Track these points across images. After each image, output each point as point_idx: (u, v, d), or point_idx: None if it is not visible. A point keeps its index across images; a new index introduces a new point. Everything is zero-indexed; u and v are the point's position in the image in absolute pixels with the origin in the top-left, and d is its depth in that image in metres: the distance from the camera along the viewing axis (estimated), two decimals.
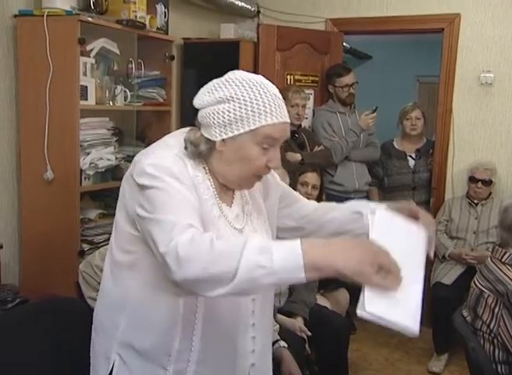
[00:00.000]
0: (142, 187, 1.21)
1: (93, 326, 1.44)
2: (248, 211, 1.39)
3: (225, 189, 1.35)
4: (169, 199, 1.17)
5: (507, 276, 2.17)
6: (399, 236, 1.27)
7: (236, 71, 1.31)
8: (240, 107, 1.23)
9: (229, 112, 1.24)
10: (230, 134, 1.24)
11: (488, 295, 2.21)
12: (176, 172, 1.21)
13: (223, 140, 1.25)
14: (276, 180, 1.52)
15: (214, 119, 1.25)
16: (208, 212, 1.28)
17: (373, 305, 1.06)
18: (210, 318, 1.28)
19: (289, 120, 1.30)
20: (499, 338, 2.16)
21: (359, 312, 1.06)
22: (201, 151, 1.27)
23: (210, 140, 1.27)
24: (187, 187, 1.21)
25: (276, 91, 1.30)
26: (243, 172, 1.29)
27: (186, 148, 1.28)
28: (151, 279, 1.26)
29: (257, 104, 1.24)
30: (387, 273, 1.07)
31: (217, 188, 1.33)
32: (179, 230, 1.12)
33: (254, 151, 1.26)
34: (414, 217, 1.39)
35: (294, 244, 1.07)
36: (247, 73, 1.30)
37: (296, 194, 1.60)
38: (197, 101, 1.31)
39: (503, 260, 2.23)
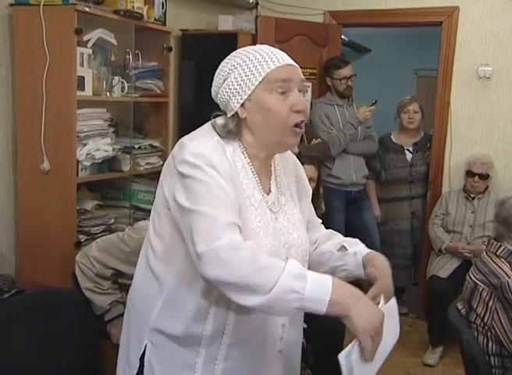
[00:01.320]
0: (182, 176, 1.24)
1: (127, 307, 1.47)
2: (284, 201, 1.41)
3: (263, 175, 1.38)
4: (210, 193, 1.19)
5: (501, 269, 2.18)
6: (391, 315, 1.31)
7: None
8: (242, 70, 1.29)
9: (236, 78, 1.29)
10: (245, 96, 1.29)
11: (483, 289, 2.23)
12: (214, 161, 1.23)
13: (242, 105, 1.29)
14: (306, 186, 1.54)
15: (227, 93, 1.30)
16: (249, 196, 1.30)
17: (356, 362, 1.16)
18: (244, 309, 1.27)
19: (294, 63, 1.33)
20: (493, 331, 2.17)
21: (342, 358, 1.15)
22: (231, 130, 1.31)
23: (234, 115, 1.31)
24: (225, 178, 1.23)
25: (273, 47, 1.33)
26: (275, 127, 1.30)
27: (217, 132, 1.32)
28: (186, 267, 1.28)
29: (256, 59, 1.29)
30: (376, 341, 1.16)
31: (257, 172, 1.36)
32: (221, 229, 1.15)
33: (272, 99, 1.28)
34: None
35: (326, 280, 1.15)
36: (244, 47, 1.35)
37: (318, 221, 1.60)
38: (212, 92, 1.37)
39: (497, 253, 2.24)
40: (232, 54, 1.35)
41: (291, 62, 1.32)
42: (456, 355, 2.64)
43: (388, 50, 6.80)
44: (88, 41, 2.59)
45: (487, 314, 2.19)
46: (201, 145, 1.27)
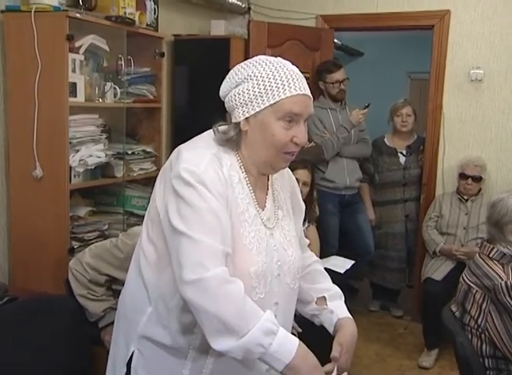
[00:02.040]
0: (176, 194, 1.23)
1: (117, 312, 1.47)
2: (281, 216, 1.41)
3: (260, 190, 1.37)
4: (202, 218, 1.19)
5: (494, 271, 2.19)
6: None
7: (256, 56, 1.34)
8: (257, 84, 1.27)
9: (248, 90, 1.27)
10: (252, 112, 1.27)
11: (476, 291, 2.23)
12: (207, 180, 1.22)
13: (246, 119, 1.28)
14: (301, 204, 1.54)
15: (235, 100, 1.29)
16: (243, 211, 1.30)
17: None
18: None
19: (310, 94, 1.31)
20: (487, 333, 2.18)
21: None
22: (230, 137, 1.31)
23: (236, 124, 1.30)
24: (217, 198, 1.22)
25: (295, 68, 1.32)
26: (271, 150, 1.30)
27: (216, 140, 1.32)
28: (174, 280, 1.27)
29: (274, 78, 1.27)
30: None
31: (253, 187, 1.35)
32: (212, 259, 1.16)
33: (276, 126, 1.28)
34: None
35: (292, 344, 1.18)
36: (266, 56, 1.34)
37: (305, 242, 1.61)
38: (221, 91, 1.35)
39: (490, 255, 2.25)
40: (252, 60, 1.32)
41: (307, 91, 1.30)
42: (451, 357, 2.64)
43: (381, 53, 6.83)
44: (80, 47, 2.59)
45: (481, 316, 2.20)
46: (197, 158, 1.25)
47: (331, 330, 1.47)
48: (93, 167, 2.71)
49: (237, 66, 1.34)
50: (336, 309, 1.49)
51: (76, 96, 2.57)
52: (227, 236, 1.22)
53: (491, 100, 3.77)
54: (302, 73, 1.35)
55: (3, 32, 2.54)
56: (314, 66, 4.03)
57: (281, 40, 3.90)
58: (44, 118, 2.49)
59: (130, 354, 1.35)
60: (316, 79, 3.98)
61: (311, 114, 1.34)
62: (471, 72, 3.77)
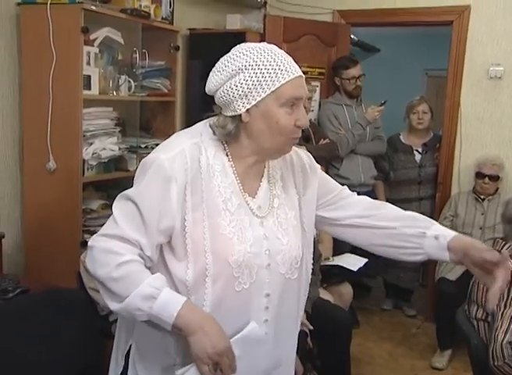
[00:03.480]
0: (136, 176, 1.30)
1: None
2: (277, 204, 1.37)
3: (252, 178, 1.35)
4: (135, 213, 1.23)
5: None
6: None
7: (239, 45, 1.31)
8: (255, 73, 1.24)
9: (246, 80, 1.24)
10: (253, 102, 1.25)
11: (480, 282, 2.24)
12: (165, 164, 1.23)
13: (247, 110, 1.26)
14: (317, 173, 1.47)
15: (233, 93, 1.25)
16: (225, 200, 1.28)
17: None
18: (217, 311, 1.26)
19: (302, 73, 1.30)
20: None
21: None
22: (230, 131, 1.28)
23: (235, 116, 1.27)
24: (165, 184, 1.23)
25: (282, 51, 1.30)
26: (275, 137, 1.28)
27: (214, 133, 1.30)
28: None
29: (270, 65, 1.24)
30: (220, 371, 1.19)
31: (241, 177, 1.32)
32: (116, 237, 1.22)
33: (281, 113, 1.26)
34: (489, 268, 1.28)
35: (174, 304, 1.19)
36: (251, 43, 1.31)
37: (341, 188, 1.51)
38: (210, 85, 1.31)
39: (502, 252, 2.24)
40: (239, 50, 1.27)
41: (301, 72, 1.29)
42: (465, 358, 2.60)
43: (398, 50, 6.75)
44: (95, 39, 2.58)
45: (483, 298, 2.19)
46: (171, 146, 1.28)
47: (444, 255, 1.35)
48: (106, 160, 2.71)
49: (224, 57, 1.30)
50: (436, 232, 1.36)
51: (90, 89, 2.56)
52: (154, 231, 1.24)
53: (510, 98, 3.69)
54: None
55: (19, 24, 2.55)
56: (330, 62, 3.99)
57: (297, 35, 3.87)
58: (58, 110, 2.49)
59: (128, 347, 1.36)
60: (332, 75, 3.95)
61: (314, 86, 1.32)
62: (491, 69, 3.70)
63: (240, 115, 1.26)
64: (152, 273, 1.27)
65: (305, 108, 1.33)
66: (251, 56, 1.25)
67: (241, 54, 1.27)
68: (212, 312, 1.25)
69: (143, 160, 1.29)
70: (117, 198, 1.28)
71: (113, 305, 1.22)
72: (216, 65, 1.30)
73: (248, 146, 1.30)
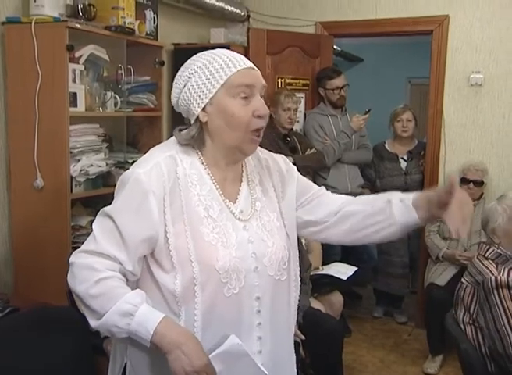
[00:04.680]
0: (115, 189, 1.32)
1: None
2: (259, 207, 1.38)
3: (231, 183, 1.36)
4: (114, 228, 1.25)
5: (487, 268, 2.24)
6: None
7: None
8: (203, 72, 1.28)
9: (196, 82, 1.29)
10: (206, 100, 1.28)
11: (466, 286, 2.32)
12: (145, 183, 1.25)
13: (203, 109, 1.29)
14: (294, 176, 1.48)
15: (187, 98, 1.30)
16: (206, 208, 1.29)
17: None
18: (209, 319, 1.27)
19: (255, 67, 1.32)
20: (477, 324, 2.20)
21: None
22: (193, 135, 1.31)
23: (196, 120, 1.31)
24: (143, 198, 1.25)
25: (231, 51, 1.34)
26: (236, 131, 1.29)
27: (178, 141, 1.33)
28: (149, 292, 1.28)
29: (216, 62, 1.28)
30: None
31: (219, 183, 1.34)
32: (96, 254, 1.23)
33: (234, 104, 1.28)
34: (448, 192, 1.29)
35: (152, 321, 1.18)
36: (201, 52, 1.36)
37: (318, 188, 1.53)
38: (172, 100, 1.36)
39: (486, 255, 2.32)
40: (190, 59, 1.34)
41: (252, 65, 1.32)
42: (456, 363, 2.62)
43: (380, 59, 6.85)
44: (80, 57, 2.60)
45: (472, 305, 2.25)
46: (146, 160, 1.31)
47: (413, 217, 1.36)
48: (94, 177, 2.71)
49: (179, 70, 1.35)
50: (401, 196, 1.40)
51: (76, 106, 2.57)
52: (133, 246, 1.25)
53: (491, 104, 3.77)
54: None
55: (4, 44, 2.56)
56: (314, 73, 4.04)
57: (280, 47, 3.91)
58: (44, 128, 2.50)
59: (124, 365, 1.36)
60: (316, 86, 3.99)
61: (265, 86, 1.33)
62: (471, 76, 3.77)
63: (198, 116, 1.30)
64: (139, 286, 1.28)
65: (262, 97, 1.33)
66: (199, 60, 1.31)
67: (191, 60, 1.33)
68: (204, 320, 1.26)
69: (120, 177, 1.31)
70: (97, 214, 1.30)
71: (92, 322, 1.22)
72: (174, 81, 1.35)
73: (213, 148, 1.33)
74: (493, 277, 2.14)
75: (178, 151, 1.32)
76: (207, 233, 1.27)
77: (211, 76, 1.27)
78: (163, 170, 1.27)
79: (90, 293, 1.20)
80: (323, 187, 1.55)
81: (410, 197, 1.40)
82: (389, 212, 1.39)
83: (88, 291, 1.20)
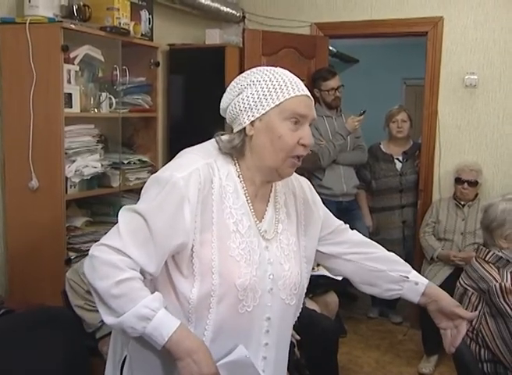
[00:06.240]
0: (145, 187, 1.29)
1: None
2: (281, 229, 1.39)
3: (260, 201, 1.36)
4: (145, 229, 1.21)
5: (490, 274, 2.20)
6: None
7: (254, 67, 1.36)
8: (261, 87, 1.28)
9: (252, 94, 1.28)
10: (257, 115, 1.28)
11: (472, 293, 2.25)
12: (180, 183, 1.23)
13: (251, 123, 1.29)
14: (318, 207, 1.51)
15: (239, 107, 1.30)
16: (236, 222, 1.29)
17: None
18: (219, 332, 1.27)
19: (309, 95, 1.33)
20: (481, 335, 2.18)
21: None
22: (235, 145, 1.31)
23: (241, 131, 1.30)
24: (179, 203, 1.22)
25: (291, 73, 1.33)
26: (277, 153, 1.29)
27: (220, 148, 1.32)
28: (164, 293, 1.27)
29: (276, 81, 1.28)
30: None
31: (251, 199, 1.34)
32: (118, 251, 1.19)
33: (283, 127, 1.28)
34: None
35: (167, 328, 1.18)
36: (263, 66, 1.35)
37: (340, 223, 1.59)
38: (222, 104, 1.36)
39: (486, 259, 2.26)
40: (252, 69, 1.33)
41: (309, 93, 1.32)
42: (451, 363, 2.62)
43: (376, 60, 6.86)
44: (75, 57, 2.60)
45: (475, 318, 2.20)
46: (185, 164, 1.27)
47: (416, 299, 1.53)
48: (89, 177, 2.71)
49: (237, 77, 1.35)
50: (416, 278, 1.53)
51: (71, 107, 2.57)
52: (157, 251, 1.23)
53: (485, 105, 3.78)
54: None
55: None
56: (310, 74, 4.04)
57: (276, 48, 3.91)
58: (39, 129, 2.49)
59: (123, 358, 1.36)
60: (311, 86, 4.00)
61: (315, 119, 1.34)
62: (466, 77, 3.78)
63: (245, 128, 1.29)
64: (155, 287, 1.28)
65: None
66: (259, 74, 1.30)
67: (251, 72, 1.33)
68: (215, 332, 1.27)
69: (154, 176, 1.28)
70: (124, 209, 1.26)
71: (108, 319, 1.21)
72: (229, 84, 1.35)
73: (251, 164, 1.32)
74: (497, 285, 2.13)
75: (216, 159, 1.31)
76: (233, 248, 1.27)
77: (269, 93, 1.27)
78: (201, 178, 1.25)
79: (111, 292, 1.18)
80: (342, 223, 1.60)
81: (423, 282, 1.54)
82: (401, 286, 1.53)
83: (109, 290, 1.18)
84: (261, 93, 1.27)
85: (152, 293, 1.22)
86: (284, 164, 1.31)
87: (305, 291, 1.47)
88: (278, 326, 1.36)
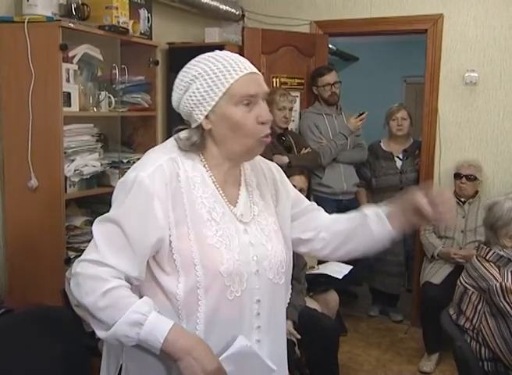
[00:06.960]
0: (115, 193, 1.29)
1: None
2: (257, 211, 1.38)
3: (231, 186, 1.36)
4: (119, 234, 1.22)
5: (490, 273, 2.19)
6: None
7: (193, 58, 1.34)
8: (204, 79, 1.27)
9: (197, 89, 1.27)
10: (209, 108, 1.27)
11: (472, 292, 2.24)
12: (146, 181, 1.23)
13: (206, 117, 1.28)
14: (287, 187, 1.51)
15: (189, 104, 1.29)
16: (209, 210, 1.29)
17: None
18: (211, 322, 1.27)
19: (256, 70, 1.31)
20: (481, 334, 2.18)
21: None
22: (195, 142, 1.30)
23: (198, 127, 1.29)
24: (148, 200, 1.23)
25: (235, 54, 1.32)
26: (242, 139, 1.28)
27: (179, 147, 1.31)
28: (152, 294, 1.27)
29: (217, 68, 1.27)
30: None
31: (220, 186, 1.33)
32: (97, 263, 1.20)
33: (237, 112, 1.27)
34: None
35: (162, 329, 1.18)
36: (203, 54, 1.33)
37: (309, 203, 1.57)
38: (173, 102, 1.35)
39: (487, 258, 2.25)
40: (191, 62, 1.31)
41: (254, 69, 1.30)
42: (452, 361, 2.62)
43: (375, 58, 6.85)
44: (74, 56, 2.59)
45: (475, 317, 2.20)
46: (148, 163, 1.28)
47: (388, 228, 1.48)
48: (88, 177, 2.70)
49: (180, 73, 1.33)
50: (373, 210, 1.49)
51: (70, 106, 2.56)
52: (137, 255, 1.23)
53: (486, 102, 3.77)
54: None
55: None
56: (309, 72, 4.04)
57: (275, 46, 3.91)
58: (38, 128, 2.49)
59: (119, 367, 1.34)
60: (310, 84, 3.99)
61: (267, 91, 1.32)
62: (466, 75, 3.77)
63: (201, 124, 1.28)
64: (142, 290, 1.27)
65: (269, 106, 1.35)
66: (200, 65, 1.28)
67: (191, 65, 1.31)
68: (207, 323, 1.26)
69: (120, 180, 1.29)
70: (96, 221, 1.27)
71: (101, 334, 1.21)
72: (175, 82, 1.33)
73: (218, 154, 1.32)
74: (498, 284, 2.12)
75: (179, 153, 1.31)
76: (210, 236, 1.27)
77: (213, 83, 1.25)
78: (166, 173, 1.25)
79: (98, 305, 1.18)
80: (314, 203, 1.58)
81: (381, 209, 1.48)
82: (367, 224, 1.48)
83: (97, 303, 1.18)
84: (206, 85, 1.26)
85: (141, 298, 1.22)
86: (254, 146, 1.31)
87: (292, 268, 1.46)
88: (268, 308, 1.35)
